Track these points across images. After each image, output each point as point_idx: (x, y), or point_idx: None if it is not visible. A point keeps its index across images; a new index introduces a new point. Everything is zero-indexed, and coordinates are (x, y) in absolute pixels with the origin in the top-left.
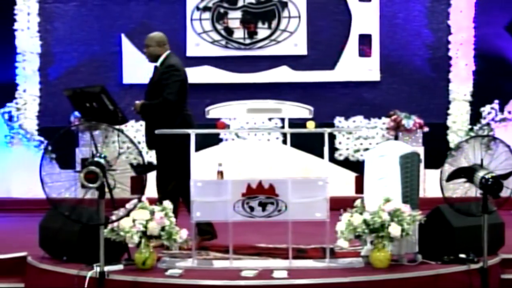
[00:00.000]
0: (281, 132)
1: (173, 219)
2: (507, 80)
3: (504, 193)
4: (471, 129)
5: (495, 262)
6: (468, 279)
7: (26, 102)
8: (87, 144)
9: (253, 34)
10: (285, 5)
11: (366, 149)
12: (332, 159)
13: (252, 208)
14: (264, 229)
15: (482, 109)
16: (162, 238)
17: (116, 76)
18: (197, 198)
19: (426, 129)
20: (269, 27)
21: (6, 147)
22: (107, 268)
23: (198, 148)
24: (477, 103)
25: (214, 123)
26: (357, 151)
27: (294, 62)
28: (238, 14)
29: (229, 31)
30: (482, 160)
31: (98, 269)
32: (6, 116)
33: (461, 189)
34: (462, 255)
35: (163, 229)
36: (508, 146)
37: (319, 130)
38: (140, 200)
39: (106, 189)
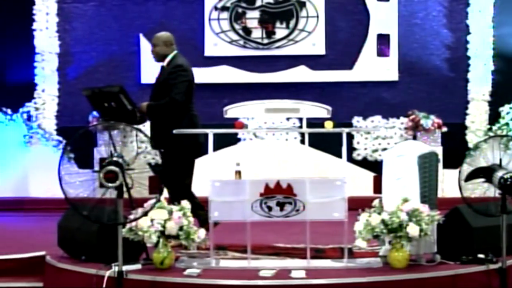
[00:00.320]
0: (299, 132)
1: (191, 219)
2: None
3: None
4: (489, 129)
5: None
6: (487, 279)
7: (44, 102)
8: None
9: (271, 33)
10: (303, 4)
11: (384, 149)
12: (350, 159)
13: (270, 208)
14: (282, 229)
15: (500, 108)
16: (180, 237)
17: (134, 76)
18: (215, 198)
19: (444, 129)
20: (287, 27)
21: (25, 146)
22: (125, 268)
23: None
24: (495, 102)
25: (232, 123)
26: (375, 151)
27: (312, 62)
28: (256, 14)
29: (247, 31)
30: (500, 160)
31: (116, 268)
32: (25, 116)
33: (480, 189)
34: (481, 255)
35: (181, 228)
36: None
37: (337, 130)
38: (158, 200)
39: (125, 189)
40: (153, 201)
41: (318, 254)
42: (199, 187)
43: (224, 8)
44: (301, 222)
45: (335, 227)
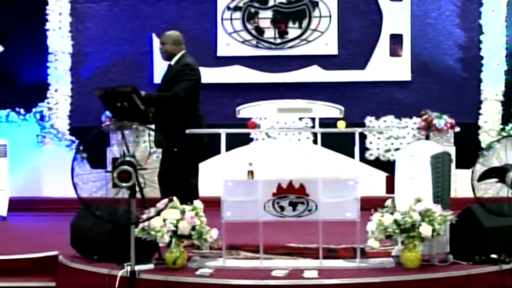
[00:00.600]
0: (311, 131)
1: (204, 219)
2: None
3: None
4: (502, 129)
5: None
6: (500, 279)
7: (57, 102)
8: (118, 144)
9: (284, 33)
10: (316, 4)
11: (397, 149)
12: (363, 159)
13: (282, 208)
14: (295, 228)
15: None
16: (192, 237)
17: (147, 76)
18: (227, 197)
19: (457, 129)
20: (300, 27)
21: (38, 146)
22: (137, 268)
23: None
24: (508, 102)
25: (245, 122)
26: (388, 151)
27: (324, 61)
28: (268, 13)
29: (260, 30)
30: None
31: (129, 268)
32: (38, 115)
33: (493, 189)
34: (494, 256)
35: (193, 228)
36: None
37: (350, 130)
38: (171, 200)
39: (137, 189)
40: (165, 201)
41: (330, 254)
42: (211, 187)
43: (236, 8)
44: (313, 222)
45: (348, 227)
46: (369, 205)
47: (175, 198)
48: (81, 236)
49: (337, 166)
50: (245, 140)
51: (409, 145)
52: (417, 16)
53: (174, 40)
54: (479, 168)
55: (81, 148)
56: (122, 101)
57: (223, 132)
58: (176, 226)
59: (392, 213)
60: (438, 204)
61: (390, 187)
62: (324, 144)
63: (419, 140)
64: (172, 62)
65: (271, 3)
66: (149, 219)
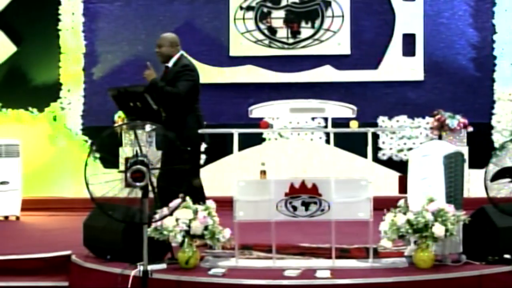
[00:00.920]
0: (324, 131)
1: (216, 219)
2: None
3: None
4: None
5: None
6: None
7: (70, 101)
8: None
9: (296, 33)
10: (328, 4)
11: (410, 149)
12: (376, 159)
13: (295, 208)
14: (307, 228)
15: None
16: (205, 237)
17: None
18: (240, 197)
19: (470, 128)
20: (313, 27)
21: (51, 146)
22: (150, 267)
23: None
24: None
25: (257, 122)
26: (400, 150)
27: (337, 61)
28: (281, 13)
29: (272, 30)
30: None
31: (141, 268)
32: (51, 115)
33: (506, 189)
34: (507, 256)
35: (206, 228)
36: None
37: (363, 129)
38: (183, 200)
39: (150, 188)
40: (178, 200)
41: (343, 254)
42: (224, 187)
43: (249, 8)
44: (326, 222)
45: (360, 227)
46: (382, 205)
47: (187, 198)
48: (94, 236)
49: (349, 166)
50: (258, 140)
51: (422, 145)
52: (430, 16)
53: (171, 42)
54: (492, 168)
55: (94, 148)
56: (135, 101)
57: (235, 132)
58: (189, 226)
59: (405, 213)
60: (451, 204)
61: (403, 187)
62: (336, 144)
63: (432, 140)
64: (170, 64)
65: (283, 3)
66: (162, 219)
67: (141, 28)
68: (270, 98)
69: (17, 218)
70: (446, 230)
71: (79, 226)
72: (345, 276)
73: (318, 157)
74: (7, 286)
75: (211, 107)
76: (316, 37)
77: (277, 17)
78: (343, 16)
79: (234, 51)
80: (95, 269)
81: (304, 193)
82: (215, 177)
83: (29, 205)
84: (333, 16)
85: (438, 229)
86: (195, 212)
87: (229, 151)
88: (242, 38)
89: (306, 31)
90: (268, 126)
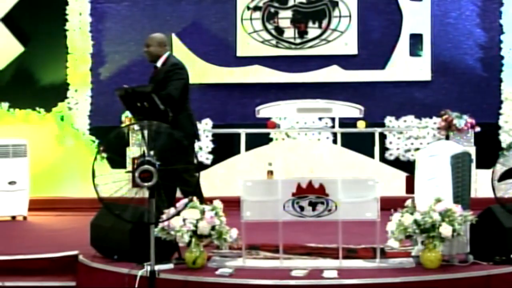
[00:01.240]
0: (331, 131)
1: (223, 219)
2: None
3: None
4: None
5: None
6: None
7: (77, 101)
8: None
9: (304, 33)
10: (335, 4)
11: (417, 149)
12: (383, 159)
13: (302, 208)
14: (314, 228)
15: None
16: (212, 237)
17: None
18: (247, 197)
19: (477, 129)
20: (320, 27)
21: (58, 146)
22: (157, 267)
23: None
24: None
25: (265, 122)
26: (408, 151)
27: (344, 61)
28: (288, 13)
29: (280, 30)
30: None
31: (148, 268)
32: (58, 115)
33: None
34: None
35: (213, 228)
36: None
37: (370, 129)
38: (190, 200)
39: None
40: (185, 200)
41: (350, 254)
42: (231, 187)
43: (256, 8)
44: (333, 222)
45: (368, 227)
46: (389, 205)
47: (195, 198)
48: (101, 236)
49: (357, 166)
50: (265, 140)
51: (429, 145)
52: (437, 16)
53: (159, 42)
54: (500, 168)
55: (101, 148)
56: (142, 101)
57: (242, 132)
58: (196, 226)
59: (412, 213)
60: (458, 204)
61: (410, 187)
62: (344, 144)
63: (439, 140)
64: (158, 63)
65: (291, 3)
66: (169, 219)
67: (148, 28)
68: (277, 98)
69: (25, 218)
70: (454, 230)
71: (86, 226)
72: (352, 276)
73: (325, 157)
74: (14, 286)
75: (219, 107)
76: (323, 37)
77: (284, 17)
78: (350, 16)
79: (241, 51)
80: (102, 269)
81: (311, 193)
82: (222, 177)
83: (36, 205)
84: (340, 16)
85: (445, 229)
86: (202, 212)
87: (236, 151)
88: (249, 38)
89: (313, 31)
90: (275, 126)
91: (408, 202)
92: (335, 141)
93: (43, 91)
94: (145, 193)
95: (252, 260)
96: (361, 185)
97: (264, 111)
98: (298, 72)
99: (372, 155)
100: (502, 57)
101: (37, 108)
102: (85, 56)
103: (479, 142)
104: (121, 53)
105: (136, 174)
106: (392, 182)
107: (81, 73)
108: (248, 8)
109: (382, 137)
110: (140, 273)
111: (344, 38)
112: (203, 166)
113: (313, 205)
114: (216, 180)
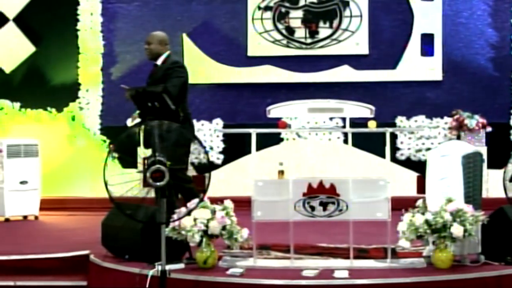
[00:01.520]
0: (342, 131)
1: (234, 218)
2: None
3: None
4: None
5: None
6: None
7: (89, 101)
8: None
9: (315, 33)
10: (346, 4)
11: (428, 149)
12: (394, 159)
13: (313, 208)
14: (325, 228)
15: None
16: (223, 237)
17: None
18: (258, 197)
19: (489, 128)
20: (331, 27)
21: (69, 146)
22: (168, 267)
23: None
24: None
25: (275, 122)
26: (419, 151)
27: (355, 61)
28: (299, 13)
29: (290, 30)
30: None
31: (159, 268)
32: (69, 115)
33: None
34: None
35: (224, 228)
36: None
37: (381, 129)
38: (201, 199)
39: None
40: (196, 200)
41: (361, 254)
42: (242, 187)
43: (267, 8)
44: (344, 222)
45: (379, 227)
46: (400, 205)
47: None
48: (112, 236)
49: (367, 166)
50: (276, 140)
51: (440, 145)
52: (448, 15)
53: (160, 41)
54: (511, 168)
55: (112, 148)
56: (153, 101)
57: (253, 131)
58: (207, 226)
59: (423, 213)
60: (470, 204)
61: (421, 187)
62: (354, 144)
63: (450, 140)
64: (158, 62)
65: (301, 2)
66: (179, 218)
67: (159, 28)
68: (288, 98)
69: (36, 217)
70: (465, 231)
71: (97, 225)
72: (363, 276)
73: (336, 157)
74: (26, 285)
75: (229, 107)
76: (334, 37)
77: (295, 17)
78: (361, 16)
79: (252, 51)
80: (113, 268)
81: (322, 193)
82: (233, 177)
83: (48, 205)
84: (351, 16)
85: (457, 230)
86: (213, 212)
87: (247, 151)
88: (260, 38)
89: (324, 31)
90: (286, 126)
91: (419, 202)
92: (346, 141)
93: (55, 91)
94: (152, 193)
95: (263, 260)
96: (372, 185)
97: (275, 111)
98: (309, 72)
99: (383, 155)
100: None
101: (49, 108)
102: (96, 56)
103: (490, 142)
104: (132, 53)
105: (148, 174)
106: (403, 182)
107: (92, 73)
108: (259, 8)
109: (393, 137)
110: (151, 272)
111: (355, 38)
112: (214, 166)
113: (324, 205)
114: (227, 180)
